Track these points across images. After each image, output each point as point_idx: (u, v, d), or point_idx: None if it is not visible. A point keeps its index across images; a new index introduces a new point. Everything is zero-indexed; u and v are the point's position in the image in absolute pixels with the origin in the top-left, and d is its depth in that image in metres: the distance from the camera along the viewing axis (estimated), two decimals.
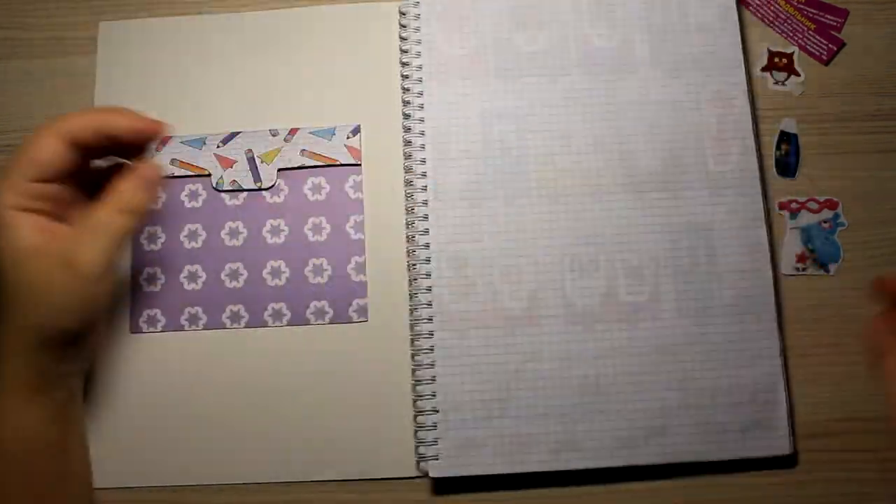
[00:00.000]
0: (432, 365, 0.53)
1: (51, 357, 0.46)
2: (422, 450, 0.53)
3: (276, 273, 0.56)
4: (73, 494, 0.50)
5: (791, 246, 0.56)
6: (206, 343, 0.55)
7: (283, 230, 0.57)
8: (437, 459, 0.52)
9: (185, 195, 0.57)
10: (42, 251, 0.45)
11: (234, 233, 0.57)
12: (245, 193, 0.57)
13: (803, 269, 0.56)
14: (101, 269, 0.46)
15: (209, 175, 0.57)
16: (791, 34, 0.60)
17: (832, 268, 0.56)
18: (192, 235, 0.57)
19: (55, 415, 0.48)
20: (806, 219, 0.56)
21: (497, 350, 0.53)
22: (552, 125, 0.57)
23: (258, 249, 0.56)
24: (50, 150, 0.46)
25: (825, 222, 0.55)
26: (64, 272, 0.45)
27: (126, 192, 0.47)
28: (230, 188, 0.57)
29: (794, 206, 0.55)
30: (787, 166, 0.58)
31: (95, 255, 0.45)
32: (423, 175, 0.56)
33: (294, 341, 0.55)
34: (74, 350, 0.48)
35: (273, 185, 0.57)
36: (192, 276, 0.56)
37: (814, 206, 0.55)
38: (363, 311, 0.56)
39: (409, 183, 0.56)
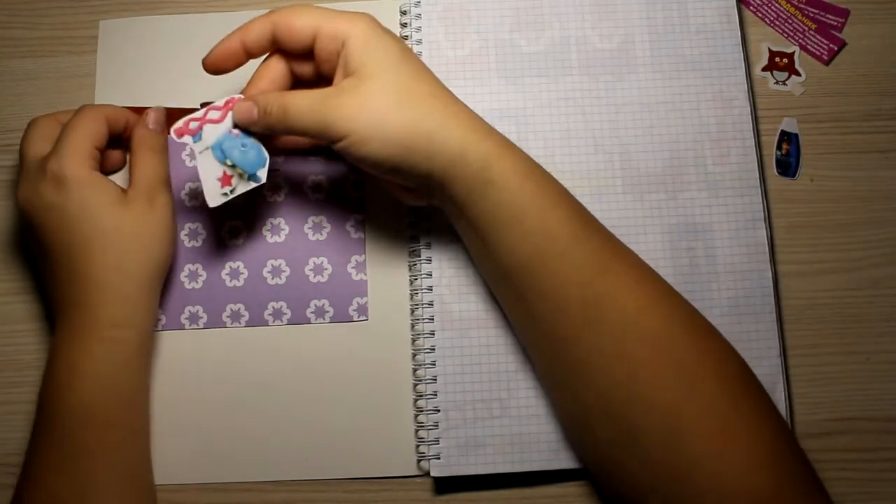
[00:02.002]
0: (433, 364, 0.53)
1: (156, 300, 0.53)
2: (422, 449, 0.53)
3: (276, 272, 0.56)
4: (147, 429, 0.53)
5: (210, 174, 0.50)
6: (206, 342, 0.56)
7: (283, 229, 0.57)
8: (437, 459, 0.52)
9: (186, 194, 0.57)
10: (126, 199, 0.52)
11: (234, 231, 0.57)
12: (245, 192, 0.56)
13: (232, 191, 0.50)
14: (169, 197, 0.54)
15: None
16: (792, 34, 0.60)
17: (262, 174, 0.50)
18: (193, 234, 0.57)
19: (150, 361, 0.54)
20: (212, 133, 0.50)
21: (498, 350, 0.54)
22: (553, 126, 0.57)
23: (258, 248, 0.56)
24: (102, 123, 0.53)
25: (232, 129, 0.50)
26: (151, 210, 0.52)
27: (141, 134, 0.54)
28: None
29: (192, 125, 0.50)
30: (788, 166, 0.58)
31: (158, 190, 0.53)
32: None
33: (295, 340, 0.55)
34: (157, 290, 0.53)
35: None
36: (193, 275, 0.56)
37: (215, 114, 0.50)
38: (364, 310, 0.56)
39: None
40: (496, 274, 0.50)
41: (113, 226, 0.50)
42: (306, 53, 0.50)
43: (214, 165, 0.50)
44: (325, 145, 0.49)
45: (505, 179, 0.46)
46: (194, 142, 0.50)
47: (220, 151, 0.50)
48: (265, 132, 0.50)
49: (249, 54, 0.51)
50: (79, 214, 0.50)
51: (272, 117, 0.49)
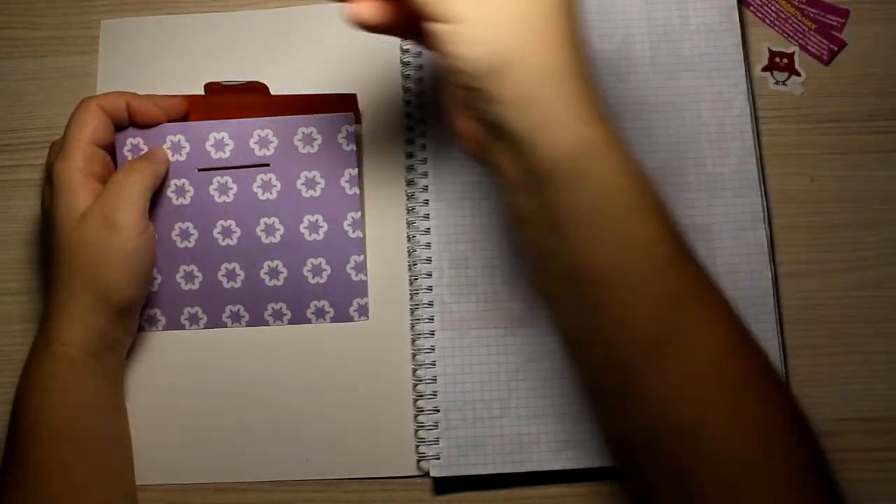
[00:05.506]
0: (433, 364, 0.53)
1: (107, 321, 0.50)
2: (422, 449, 0.53)
3: (273, 273, 0.56)
4: (125, 458, 0.53)
5: None
6: (206, 342, 0.56)
7: (277, 229, 0.56)
8: (437, 459, 0.52)
9: (172, 191, 0.55)
10: (88, 211, 0.50)
11: (227, 232, 0.56)
12: (235, 189, 0.55)
13: None
14: (132, 220, 0.50)
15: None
16: (792, 34, 0.60)
17: None
18: (184, 234, 0.55)
19: (110, 380, 0.52)
20: None
21: (497, 350, 0.54)
22: None
23: (253, 249, 0.55)
24: (98, 115, 0.52)
25: None
26: (106, 229, 0.50)
27: (140, 158, 0.54)
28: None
29: None
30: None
31: (123, 208, 0.50)
32: (424, 175, 0.56)
33: (295, 340, 0.55)
34: (126, 318, 0.52)
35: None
36: (189, 276, 0.56)
37: None
38: (364, 310, 0.56)
39: (409, 183, 0.56)
40: (561, 277, 0.41)
41: (69, 241, 0.50)
42: None
43: None
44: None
45: (604, 175, 0.40)
46: None
47: None
48: None
49: None
50: (51, 223, 0.51)
51: None
